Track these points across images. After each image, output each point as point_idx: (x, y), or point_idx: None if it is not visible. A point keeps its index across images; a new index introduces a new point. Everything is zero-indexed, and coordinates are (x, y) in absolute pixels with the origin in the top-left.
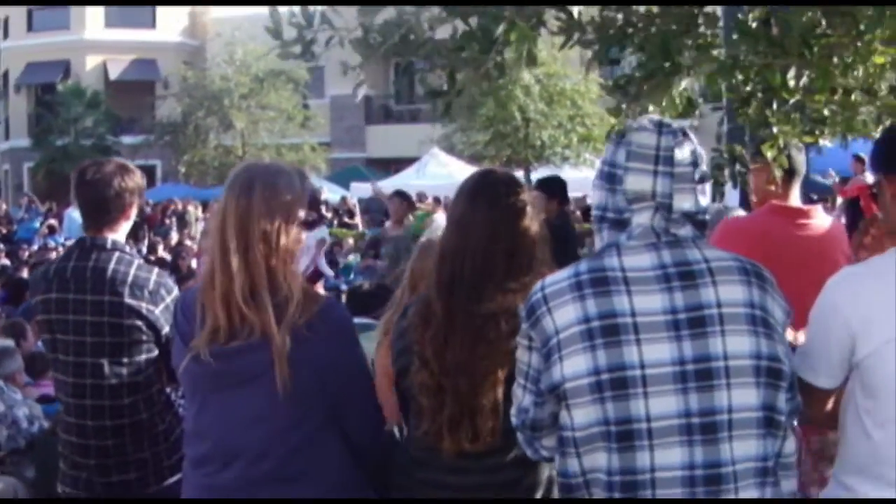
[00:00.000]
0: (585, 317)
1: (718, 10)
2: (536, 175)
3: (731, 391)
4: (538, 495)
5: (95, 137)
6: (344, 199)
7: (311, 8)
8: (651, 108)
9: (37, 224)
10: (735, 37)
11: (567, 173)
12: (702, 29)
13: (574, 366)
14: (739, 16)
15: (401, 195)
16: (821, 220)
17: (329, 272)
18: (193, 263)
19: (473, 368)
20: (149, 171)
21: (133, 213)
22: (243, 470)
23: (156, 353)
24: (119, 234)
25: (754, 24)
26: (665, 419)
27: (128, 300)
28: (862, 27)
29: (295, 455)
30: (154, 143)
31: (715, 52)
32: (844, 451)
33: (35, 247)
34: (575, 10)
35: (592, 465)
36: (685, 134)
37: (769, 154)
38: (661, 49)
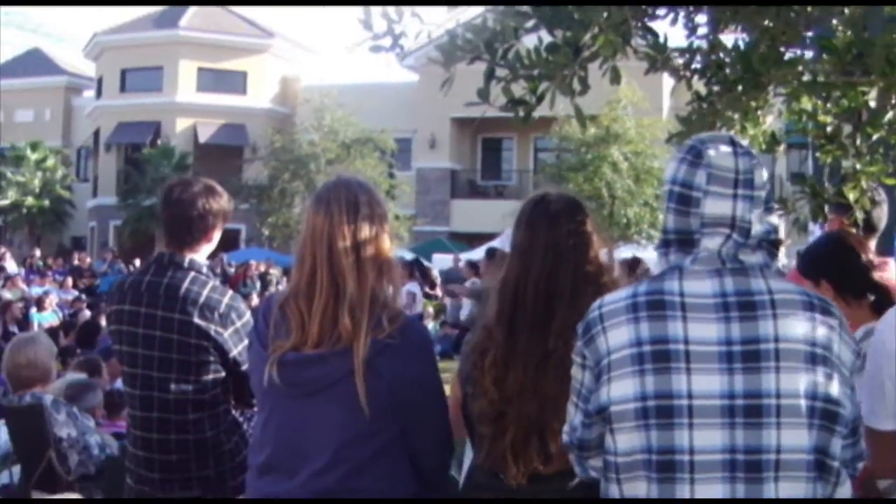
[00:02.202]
0: (638, 340)
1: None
2: (620, 253)
3: (780, 430)
4: None
5: None
6: (427, 269)
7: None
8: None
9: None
10: (819, 55)
11: (651, 253)
12: (788, 55)
13: (621, 389)
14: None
15: (490, 253)
16: (893, 275)
17: None
18: None
19: (542, 391)
20: (233, 235)
21: (215, 237)
22: (309, 479)
23: (223, 374)
24: (199, 254)
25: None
26: (708, 453)
27: (197, 320)
28: None
29: (363, 470)
30: (239, 205)
31: (800, 69)
32: None
33: None
34: (661, 32)
35: (633, 494)
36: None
37: (851, 195)
38: (742, 59)
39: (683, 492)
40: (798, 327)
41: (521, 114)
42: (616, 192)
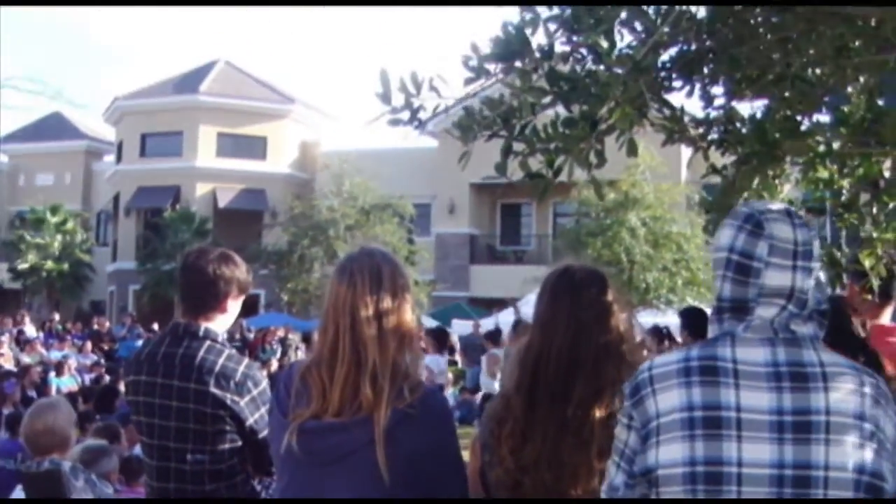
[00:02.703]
0: (689, 405)
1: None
2: (639, 318)
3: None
4: None
5: None
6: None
7: (420, 75)
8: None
9: (138, 343)
10: (834, 125)
11: (670, 318)
12: (804, 127)
13: (671, 453)
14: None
15: (515, 325)
16: None
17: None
18: None
19: (559, 462)
20: (252, 300)
21: (230, 306)
22: None
23: (240, 443)
24: (214, 323)
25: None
26: None
27: (213, 389)
28: None
29: None
30: (258, 271)
31: (815, 139)
32: None
33: None
34: (677, 104)
35: None
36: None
37: (867, 262)
38: (757, 131)
39: None
40: (849, 401)
41: (539, 188)
42: (635, 257)
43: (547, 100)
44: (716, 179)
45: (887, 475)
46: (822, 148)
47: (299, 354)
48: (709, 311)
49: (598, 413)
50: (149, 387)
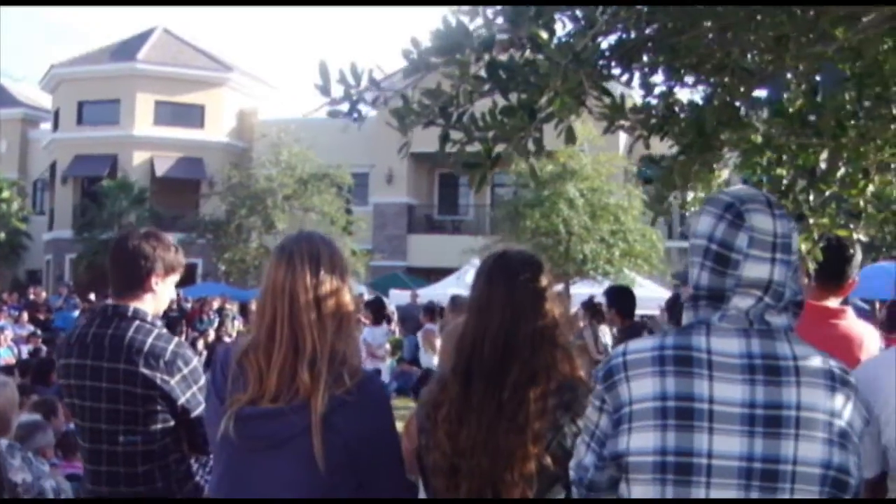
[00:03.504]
0: (663, 394)
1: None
2: (576, 289)
3: (793, 496)
4: None
5: None
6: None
7: (360, 66)
8: (689, 195)
9: (75, 314)
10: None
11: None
12: (743, 113)
13: (642, 441)
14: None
15: (454, 301)
16: (850, 321)
17: (386, 377)
18: None
19: (495, 445)
20: (189, 269)
21: (158, 287)
22: None
23: (172, 423)
24: (143, 303)
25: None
26: None
27: (142, 369)
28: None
29: None
30: (196, 240)
31: (752, 133)
32: None
33: None
34: (617, 93)
35: None
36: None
37: (803, 246)
38: (695, 123)
39: None
40: (819, 396)
41: (476, 177)
42: (573, 228)
43: (485, 88)
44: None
45: (853, 469)
46: (759, 139)
47: (236, 325)
48: (639, 284)
49: (533, 397)
50: (79, 369)
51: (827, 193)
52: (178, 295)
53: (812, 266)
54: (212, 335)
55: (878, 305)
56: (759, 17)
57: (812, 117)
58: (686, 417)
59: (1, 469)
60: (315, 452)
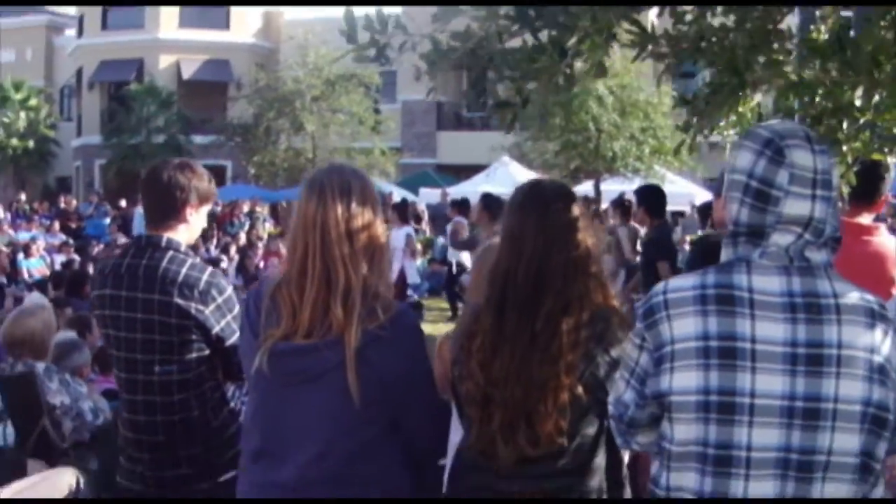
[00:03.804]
0: (705, 334)
1: (793, 26)
2: (606, 186)
3: (834, 434)
4: None
5: (167, 136)
6: (413, 203)
7: (386, 12)
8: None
9: (106, 221)
10: (805, 54)
11: (636, 185)
12: (775, 45)
13: (685, 380)
14: (812, 34)
15: (486, 201)
16: (884, 237)
17: (416, 277)
18: (261, 264)
19: (528, 376)
20: (219, 172)
21: (191, 217)
22: (301, 468)
23: (207, 352)
24: (177, 233)
25: (825, 41)
26: (764, 451)
27: (177, 300)
28: None
29: (355, 458)
30: (224, 143)
31: (786, 69)
32: None
33: (103, 245)
34: (648, 22)
35: (680, 484)
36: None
37: (838, 169)
38: (728, 64)
39: (737, 487)
40: (860, 334)
41: (507, 117)
42: (602, 125)
43: (514, 28)
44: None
45: (891, 405)
46: (793, 77)
47: (267, 227)
48: (670, 181)
49: (566, 328)
50: (114, 300)
51: (861, 121)
52: None
53: (847, 190)
54: (243, 238)
55: None
56: None
57: (848, 53)
58: (729, 357)
59: (39, 392)
60: (350, 387)
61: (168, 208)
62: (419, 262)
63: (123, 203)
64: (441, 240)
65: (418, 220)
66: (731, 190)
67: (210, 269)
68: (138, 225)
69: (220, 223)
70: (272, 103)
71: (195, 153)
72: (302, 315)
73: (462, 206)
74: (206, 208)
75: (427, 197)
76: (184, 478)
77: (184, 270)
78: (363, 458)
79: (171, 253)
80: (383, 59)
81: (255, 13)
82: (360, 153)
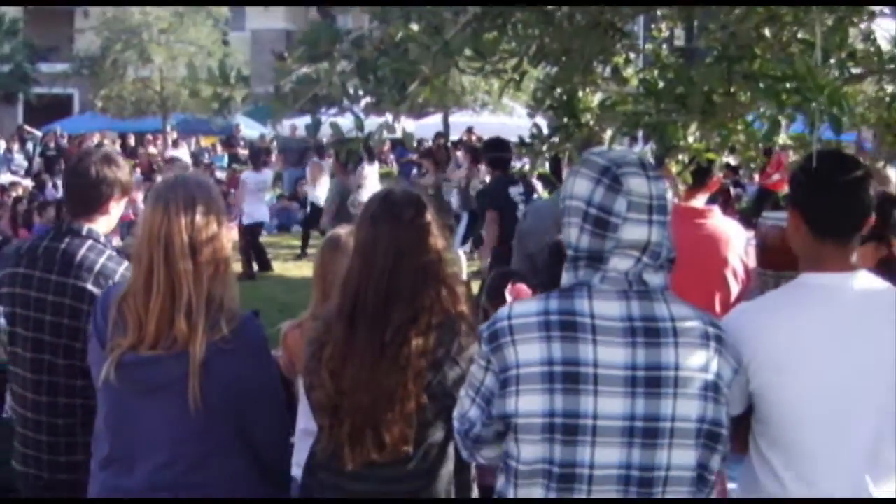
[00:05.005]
0: (549, 359)
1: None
2: (454, 119)
3: (671, 450)
4: None
5: (13, 65)
6: (262, 136)
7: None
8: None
9: None
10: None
11: (484, 118)
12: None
13: (530, 404)
14: (653, 32)
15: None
16: (717, 220)
17: (262, 215)
18: None
19: (377, 385)
20: (66, 101)
21: (113, 209)
22: (148, 475)
23: None
24: (98, 224)
25: (661, 83)
26: (606, 468)
27: (90, 286)
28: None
29: (200, 465)
30: (72, 74)
31: (619, 109)
32: (745, 470)
33: None
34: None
35: (528, 497)
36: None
37: (674, 169)
38: (566, 105)
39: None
40: (695, 356)
41: (346, 153)
42: None
43: (355, 81)
44: None
45: (725, 420)
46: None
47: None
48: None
49: (415, 337)
50: (26, 279)
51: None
52: (56, 132)
53: (682, 188)
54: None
55: None
56: None
57: (681, 93)
58: (572, 381)
59: None
60: (193, 398)
61: (92, 201)
62: (268, 195)
63: None
64: (288, 173)
65: (268, 153)
66: (569, 215)
67: (126, 262)
68: None
69: (67, 158)
70: (119, 35)
71: (43, 82)
72: (147, 327)
73: (320, 148)
74: (124, 199)
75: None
76: (79, 464)
77: (101, 260)
78: (209, 465)
79: (90, 241)
80: (226, 110)
81: None
82: (207, 84)
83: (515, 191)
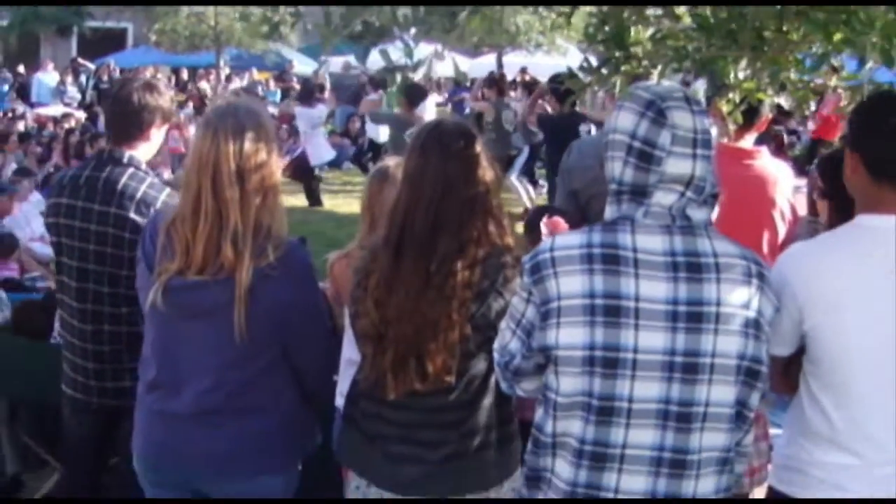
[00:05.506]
0: (591, 292)
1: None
2: (508, 59)
3: (711, 387)
4: (477, 440)
5: None
6: (315, 73)
7: None
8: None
9: (4, 88)
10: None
11: (538, 59)
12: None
13: (571, 336)
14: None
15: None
16: (765, 160)
17: (329, 154)
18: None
19: (421, 314)
20: (120, 35)
21: (153, 135)
22: (195, 398)
23: None
24: (138, 151)
25: (713, 19)
26: (645, 402)
27: (132, 215)
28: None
29: (246, 388)
30: (126, 8)
31: (670, 44)
32: (794, 411)
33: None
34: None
35: (566, 430)
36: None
37: (724, 108)
38: (615, 38)
39: (618, 435)
40: (737, 292)
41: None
42: None
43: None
44: None
45: (764, 357)
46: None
47: (170, 93)
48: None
49: (461, 268)
50: (70, 209)
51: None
52: (109, 66)
53: (732, 128)
54: None
55: None
56: None
57: (732, 29)
58: (613, 315)
59: None
60: (238, 323)
61: (133, 128)
62: (322, 130)
63: (22, 69)
64: (341, 111)
65: (321, 89)
66: (613, 150)
67: (168, 189)
68: (37, 92)
69: None
70: None
71: (96, 15)
72: (194, 252)
73: (376, 82)
74: (165, 126)
75: (330, 65)
76: (126, 390)
77: (143, 188)
78: (254, 388)
79: (131, 170)
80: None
81: None
82: (260, 21)
83: (584, 129)
